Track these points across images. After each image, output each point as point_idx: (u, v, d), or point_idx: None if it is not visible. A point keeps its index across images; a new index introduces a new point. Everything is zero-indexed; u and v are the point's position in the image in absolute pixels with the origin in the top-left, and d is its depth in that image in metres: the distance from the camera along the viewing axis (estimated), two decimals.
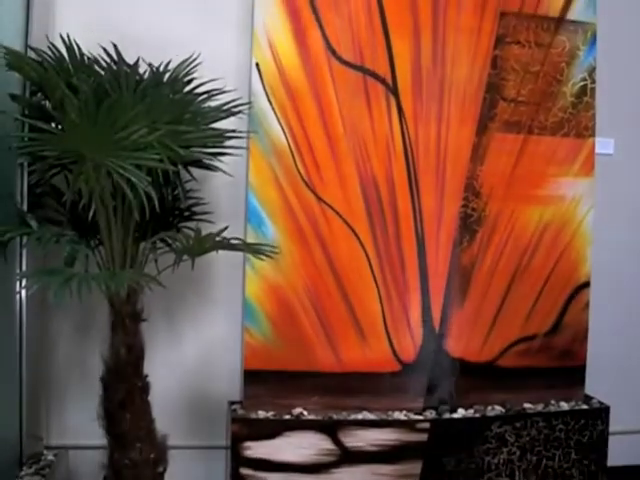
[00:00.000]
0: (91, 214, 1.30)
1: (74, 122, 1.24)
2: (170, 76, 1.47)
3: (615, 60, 1.91)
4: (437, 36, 1.76)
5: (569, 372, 1.86)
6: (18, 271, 1.50)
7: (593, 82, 1.86)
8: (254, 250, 1.48)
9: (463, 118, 1.78)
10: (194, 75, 1.48)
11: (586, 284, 1.87)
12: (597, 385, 1.87)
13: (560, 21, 1.83)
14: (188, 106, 1.43)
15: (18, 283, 1.51)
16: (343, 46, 1.72)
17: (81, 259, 1.38)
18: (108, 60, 1.43)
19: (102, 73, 1.40)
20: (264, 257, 1.45)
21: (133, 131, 1.26)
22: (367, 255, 1.75)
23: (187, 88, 1.48)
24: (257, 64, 1.69)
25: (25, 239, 1.45)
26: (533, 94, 1.82)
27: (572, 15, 1.84)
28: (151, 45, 1.62)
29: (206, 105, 1.46)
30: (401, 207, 1.76)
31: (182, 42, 1.62)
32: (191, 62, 1.50)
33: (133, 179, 1.24)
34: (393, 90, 1.75)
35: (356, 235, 1.75)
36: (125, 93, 1.35)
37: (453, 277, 1.80)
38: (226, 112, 1.47)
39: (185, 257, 1.36)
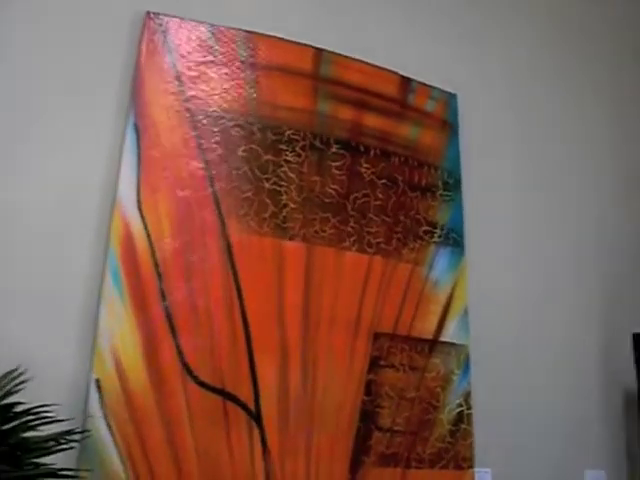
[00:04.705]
0: None
1: None
2: None
3: (490, 383, 2.40)
4: (307, 358, 2.12)
5: None
6: None
7: (469, 408, 2.31)
8: None
9: (335, 451, 2.08)
10: (19, 389, 1.60)
11: None
12: None
13: (434, 343, 2.31)
14: (7, 437, 1.60)
15: None
16: (201, 365, 2.01)
17: None
18: None
19: None
20: None
21: None
22: None
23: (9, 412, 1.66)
24: (97, 380, 1.92)
25: None
26: (409, 423, 2.19)
27: (445, 337, 2.32)
28: None
29: (30, 435, 1.64)
30: None
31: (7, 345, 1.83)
32: (16, 376, 1.71)
33: None
34: (256, 418, 2.04)
35: None
36: None
37: None
38: (54, 445, 1.66)
39: None
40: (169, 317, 1.97)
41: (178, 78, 2.09)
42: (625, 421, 2.61)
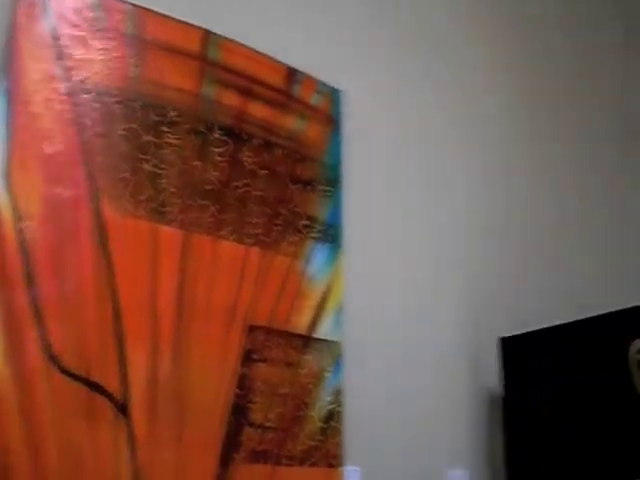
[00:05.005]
0: None
1: None
2: None
3: (361, 382, 2.44)
4: (180, 348, 2.06)
5: None
6: None
7: (340, 405, 2.33)
8: None
9: (206, 446, 2.02)
10: None
11: None
12: None
13: (308, 339, 2.30)
14: None
15: None
16: (66, 352, 1.92)
17: None
18: None
19: None
20: None
21: None
22: None
23: None
24: None
25: None
26: (281, 419, 2.17)
27: (319, 334, 2.31)
28: None
29: None
30: None
31: None
32: None
33: None
34: (123, 410, 1.98)
35: None
36: None
37: None
38: None
39: None
40: (33, 299, 1.87)
41: (57, 46, 2.01)
42: (489, 423, 2.72)
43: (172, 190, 2.12)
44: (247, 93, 2.34)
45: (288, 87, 2.45)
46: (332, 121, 2.54)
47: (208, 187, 2.19)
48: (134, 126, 2.09)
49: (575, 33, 3.74)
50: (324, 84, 2.53)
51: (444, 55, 3.08)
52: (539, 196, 3.28)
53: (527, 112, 3.40)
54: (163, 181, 2.11)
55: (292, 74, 2.46)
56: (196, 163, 2.19)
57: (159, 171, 2.11)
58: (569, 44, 3.68)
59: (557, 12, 3.65)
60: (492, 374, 2.69)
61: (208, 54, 2.27)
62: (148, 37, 2.16)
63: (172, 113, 2.16)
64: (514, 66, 3.38)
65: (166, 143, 2.14)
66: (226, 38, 2.31)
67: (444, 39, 3.11)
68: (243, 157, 2.28)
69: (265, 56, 2.40)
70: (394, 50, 2.89)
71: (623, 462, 2.23)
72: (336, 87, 2.57)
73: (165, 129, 2.14)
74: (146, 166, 2.09)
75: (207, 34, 2.28)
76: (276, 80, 2.42)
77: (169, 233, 2.09)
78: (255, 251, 2.24)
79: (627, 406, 2.24)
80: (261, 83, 2.38)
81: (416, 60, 2.96)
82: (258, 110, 2.35)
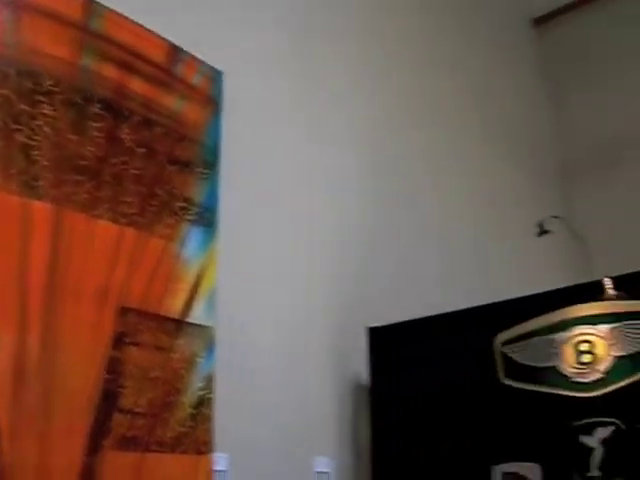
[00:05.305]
0: None
1: None
2: None
3: (233, 369, 2.44)
4: (48, 330, 1.97)
5: None
6: None
7: (211, 392, 2.33)
8: None
9: (73, 433, 1.97)
10: None
11: None
12: None
13: (180, 323, 2.29)
14: None
15: None
16: None
17: None
18: None
19: None
20: None
21: None
22: None
23: None
24: None
25: None
26: (152, 405, 2.14)
27: (192, 318, 2.30)
28: None
29: None
30: None
31: None
32: None
33: None
34: None
35: None
36: None
37: None
38: None
39: None
40: None
41: None
42: (356, 413, 2.80)
43: (45, 163, 2.04)
44: (128, 68, 2.28)
45: (170, 65, 2.41)
46: (212, 102, 2.52)
47: (83, 162, 2.13)
48: (6, 92, 1.99)
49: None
50: (206, 64, 2.51)
51: (330, 42, 3.13)
52: (415, 187, 3.40)
53: (418, 111, 3.52)
54: (36, 153, 2.03)
55: (174, 52, 2.43)
56: (72, 137, 2.11)
57: (32, 143, 2.02)
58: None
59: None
60: (360, 364, 2.76)
61: (89, 24, 2.20)
62: (25, 0, 2.06)
63: (48, 82, 2.08)
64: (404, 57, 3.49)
65: (41, 114, 2.05)
66: (110, 9, 2.24)
67: (331, 26, 3.16)
68: (122, 133, 2.23)
69: (149, 31, 2.34)
70: (279, 35, 2.91)
71: (488, 450, 2.36)
72: (218, 69, 2.54)
73: (41, 98, 2.06)
74: (19, 137, 2.00)
75: (90, 3, 2.20)
76: (158, 57, 2.37)
77: (41, 209, 2.01)
78: (130, 231, 2.20)
79: (491, 396, 2.37)
80: (143, 59, 2.33)
81: (302, 46, 2.99)
82: (139, 86, 2.30)
